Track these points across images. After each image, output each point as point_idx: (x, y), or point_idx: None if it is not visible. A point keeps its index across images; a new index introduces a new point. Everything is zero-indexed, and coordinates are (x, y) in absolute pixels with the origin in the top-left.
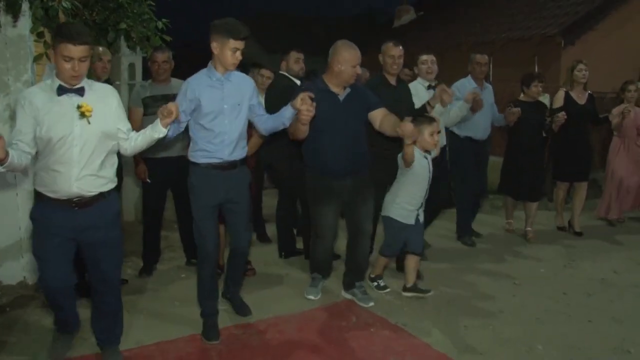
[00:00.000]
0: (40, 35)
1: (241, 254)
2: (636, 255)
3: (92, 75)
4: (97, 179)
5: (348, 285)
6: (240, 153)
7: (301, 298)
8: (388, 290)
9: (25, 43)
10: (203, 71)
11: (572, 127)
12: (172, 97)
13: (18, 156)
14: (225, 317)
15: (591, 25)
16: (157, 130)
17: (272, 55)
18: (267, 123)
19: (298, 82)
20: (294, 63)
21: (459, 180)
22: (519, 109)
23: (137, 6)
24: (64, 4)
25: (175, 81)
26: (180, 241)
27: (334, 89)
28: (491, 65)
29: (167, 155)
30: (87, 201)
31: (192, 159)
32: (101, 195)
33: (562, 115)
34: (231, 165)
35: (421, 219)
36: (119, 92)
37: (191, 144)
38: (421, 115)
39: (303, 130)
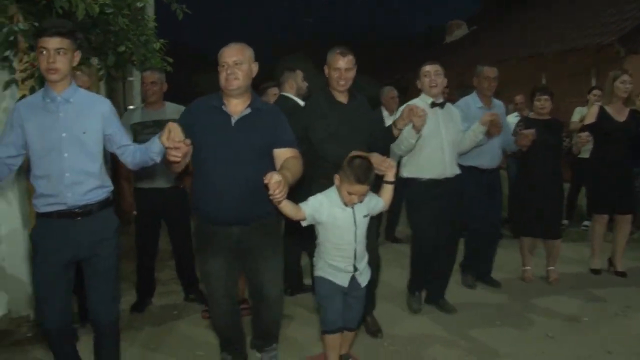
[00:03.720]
0: (5, 59)
1: (106, 330)
2: None
3: None
4: None
5: (257, 347)
6: (96, 194)
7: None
8: None
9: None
10: (41, 90)
11: (609, 148)
12: (164, 123)
13: None
14: None
15: None
16: None
17: None
18: (136, 156)
19: (302, 103)
20: (302, 82)
21: (468, 219)
22: (533, 130)
23: (136, 28)
24: (21, 25)
25: (170, 106)
26: (178, 276)
27: (229, 107)
28: (543, 80)
29: (155, 186)
30: None
31: (34, 209)
32: None
33: (585, 137)
34: (84, 211)
35: (362, 281)
36: None
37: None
38: (355, 164)
39: (175, 168)
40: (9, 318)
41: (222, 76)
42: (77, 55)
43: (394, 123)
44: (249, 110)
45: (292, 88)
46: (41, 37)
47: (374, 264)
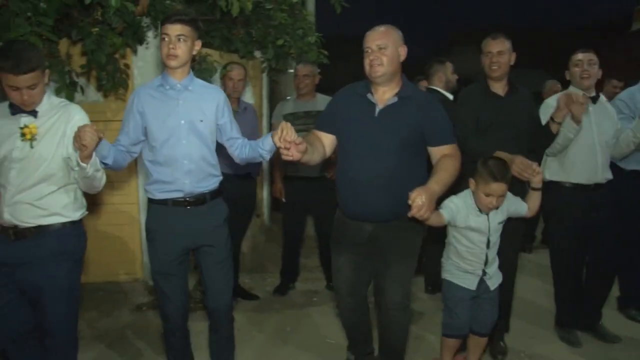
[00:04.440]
0: None
1: (221, 317)
2: None
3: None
4: (34, 209)
5: None
6: (209, 184)
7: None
8: None
9: None
10: (158, 77)
11: None
12: (314, 114)
13: None
14: None
15: None
16: (80, 166)
17: None
18: (244, 151)
19: (451, 97)
20: (452, 74)
21: (622, 231)
22: None
23: (294, 22)
24: None
25: (321, 97)
26: (320, 264)
27: (375, 95)
28: None
29: (302, 175)
30: (20, 232)
31: (147, 195)
32: (40, 228)
33: None
34: (197, 200)
35: (491, 285)
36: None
37: (147, 175)
38: (490, 163)
39: (306, 161)
40: None
41: (366, 62)
42: (198, 45)
43: (552, 117)
44: (395, 99)
45: (441, 81)
46: (164, 24)
47: (509, 279)
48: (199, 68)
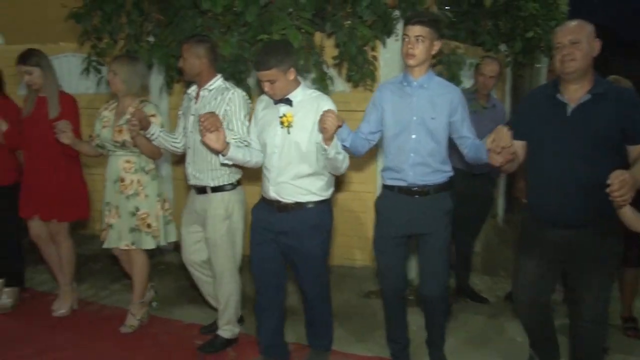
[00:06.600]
0: None
1: (434, 304)
2: None
3: None
4: (294, 188)
5: None
6: (436, 177)
7: None
8: None
9: None
10: (400, 75)
11: None
12: None
13: (246, 153)
14: None
15: None
16: (323, 148)
17: None
18: (471, 151)
19: None
20: None
21: None
22: None
23: (546, 13)
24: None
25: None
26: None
27: (566, 94)
28: None
29: None
30: (283, 206)
31: (382, 180)
32: (298, 204)
33: None
34: (422, 191)
35: None
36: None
37: (383, 161)
38: None
39: (503, 170)
40: None
41: (557, 58)
42: (437, 45)
43: None
44: (588, 97)
45: None
46: (406, 25)
47: None
48: (447, 60)
